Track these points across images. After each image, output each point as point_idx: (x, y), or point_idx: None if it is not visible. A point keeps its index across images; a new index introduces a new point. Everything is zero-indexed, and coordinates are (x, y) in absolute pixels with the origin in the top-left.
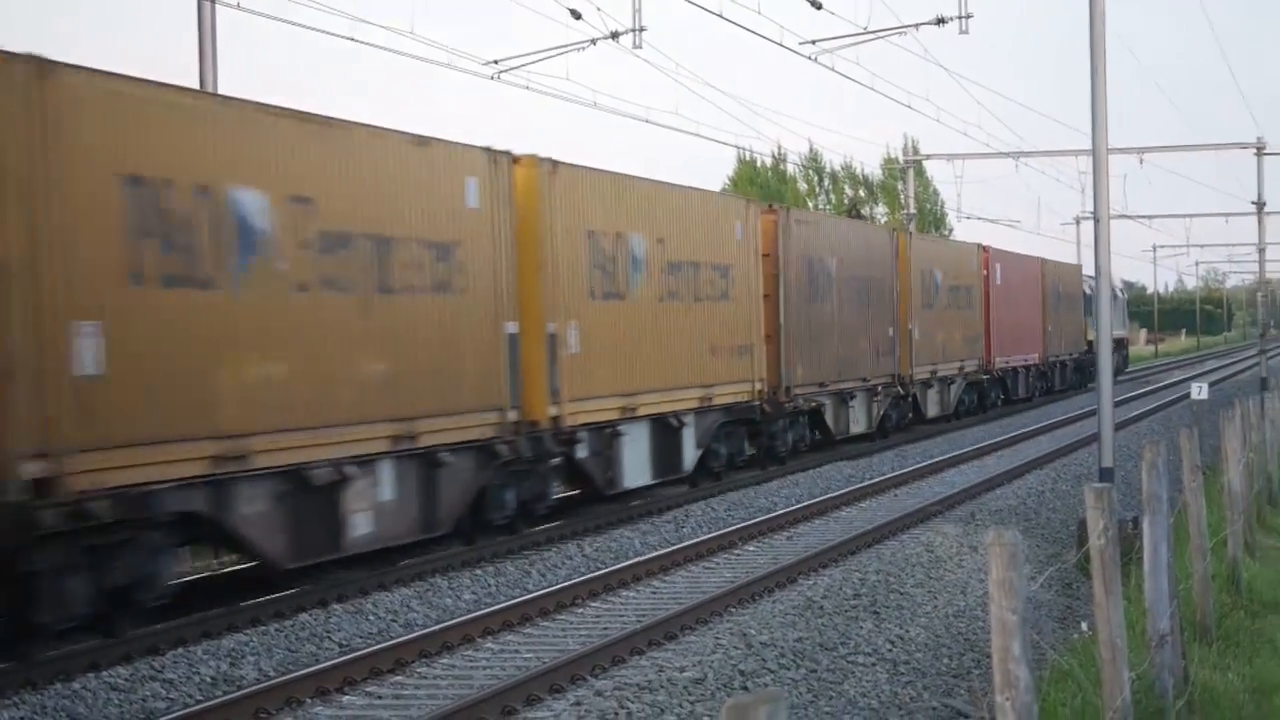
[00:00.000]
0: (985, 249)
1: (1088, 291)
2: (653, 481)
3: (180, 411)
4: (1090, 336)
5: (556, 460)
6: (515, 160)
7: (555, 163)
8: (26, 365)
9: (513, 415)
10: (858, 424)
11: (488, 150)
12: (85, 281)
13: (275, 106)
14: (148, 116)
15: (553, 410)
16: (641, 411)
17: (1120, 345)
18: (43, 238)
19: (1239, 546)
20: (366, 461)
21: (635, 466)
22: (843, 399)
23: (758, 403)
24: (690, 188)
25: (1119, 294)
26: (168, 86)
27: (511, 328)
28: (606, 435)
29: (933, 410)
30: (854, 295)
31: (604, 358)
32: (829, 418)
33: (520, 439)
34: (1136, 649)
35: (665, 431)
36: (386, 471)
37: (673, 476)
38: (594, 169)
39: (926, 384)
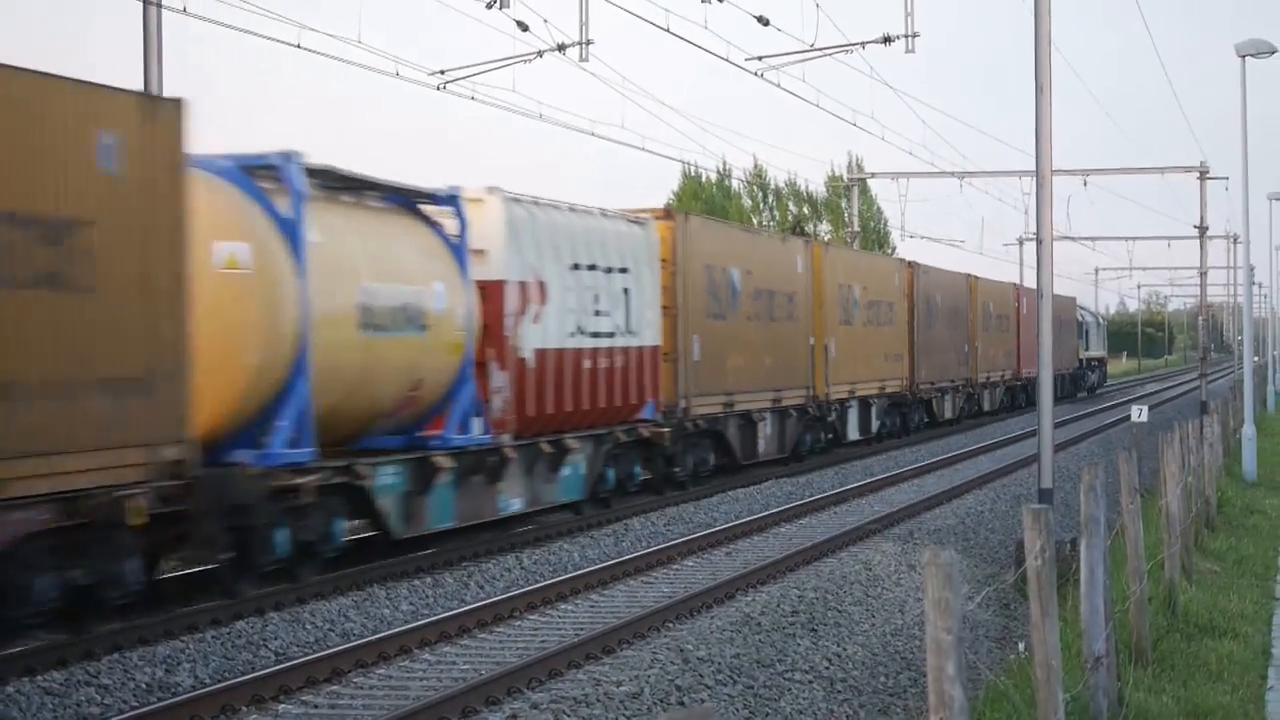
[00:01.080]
0: (1018, 287)
1: (1079, 319)
2: (859, 437)
3: (715, 380)
4: (1082, 355)
5: (829, 419)
6: (812, 241)
7: (827, 244)
8: (680, 354)
9: (811, 392)
10: (949, 411)
11: (805, 239)
12: (694, 315)
13: (743, 225)
14: (711, 235)
15: (824, 390)
16: (857, 394)
17: (1101, 363)
18: (684, 293)
19: (1176, 570)
20: (763, 412)
21: (853, 426)
22: (943, 393)
23: (906, 393)
24: (877, 254)
25: (1101, 322)
26: (717, 220)
27: (811, 340)
28: (842, 407)
29: (987, 405)
30: (948, 321)
31: (843, 360)
32: (935, 405)
33: (814, 405)
34: (1072, 670)
35: (865, 407)
36: (768, 418)
37: (866, 436)
38: (843, 247)
39: (984, 386)
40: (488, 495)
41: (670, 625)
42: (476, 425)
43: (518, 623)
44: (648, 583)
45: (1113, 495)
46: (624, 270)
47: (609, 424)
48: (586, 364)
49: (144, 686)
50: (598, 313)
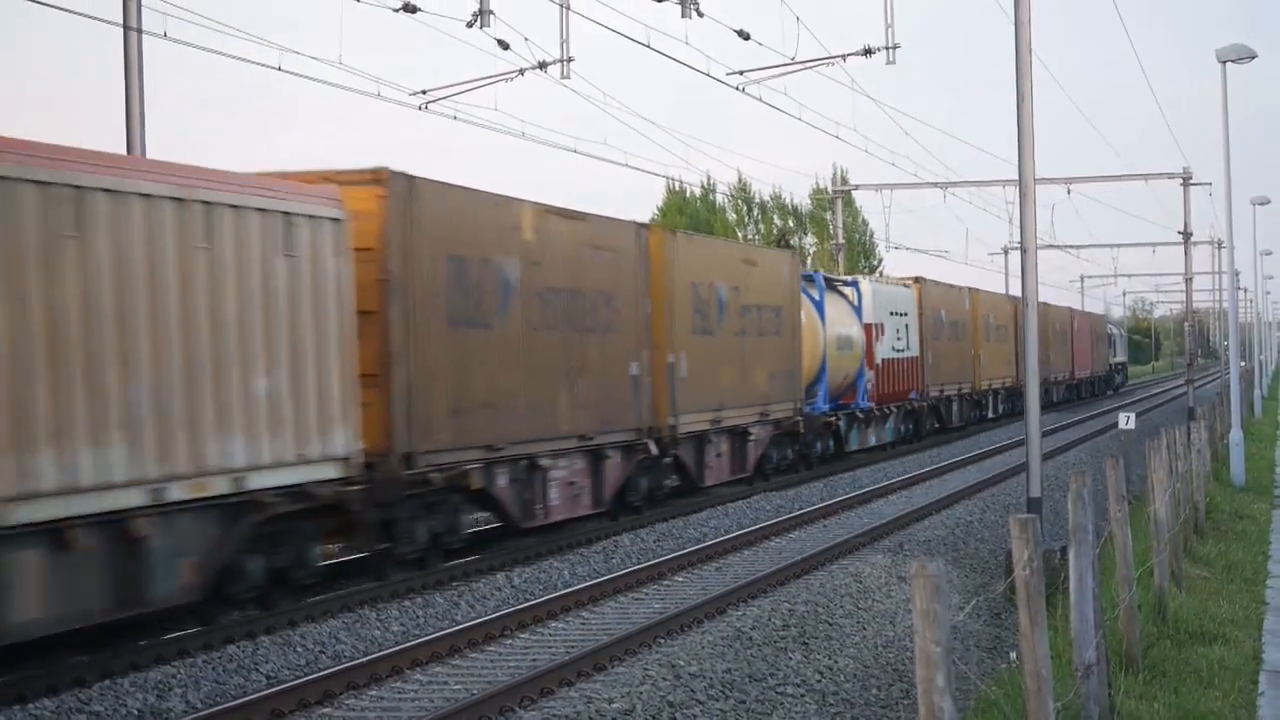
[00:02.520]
0: (1072, 311)
1: (1109, 333)
2: (993, 415)
3: (937, 376)
4: (1111, 361)
5: (981, 402)
6: (974, 290)
7: (980, 291)
8: (924, 361)
9: (972, 384)
10: (1046, 399)
11: (971, 290)
12: (928, 338)
13: (948, 284)
14: (935, 291)
15: (980, 383)
16: (993, 386)
17: (1123, 367)
18: (924, 326)
19: (1165, 576)
20: (954, 396)
21: (990, 407)
22: (1044, 386)
23: (1016, 386)
24: (1003, 294)
25: (1123, 334)
26: (938, 282)
27: (973, 351)
28: (986, 394)
29: (1055, 397)
30: (1043, 335)
31: (987, 363)
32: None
33: (974, 393)
34: (1063, 679)
35: (995, 395)
36: (955, 400)
37: (996, 414)
38: (987, 292)
39: (1053, 383)
40: (866, 433)
41: (661, 641)
42: (865, 398)
43: (509, 641)
44: (638, 599)
45: (1101, 503)
46: (905, 314)
47: (899, 401)
48: (895, 367)
49: (135, 712)
50: (898, 338)
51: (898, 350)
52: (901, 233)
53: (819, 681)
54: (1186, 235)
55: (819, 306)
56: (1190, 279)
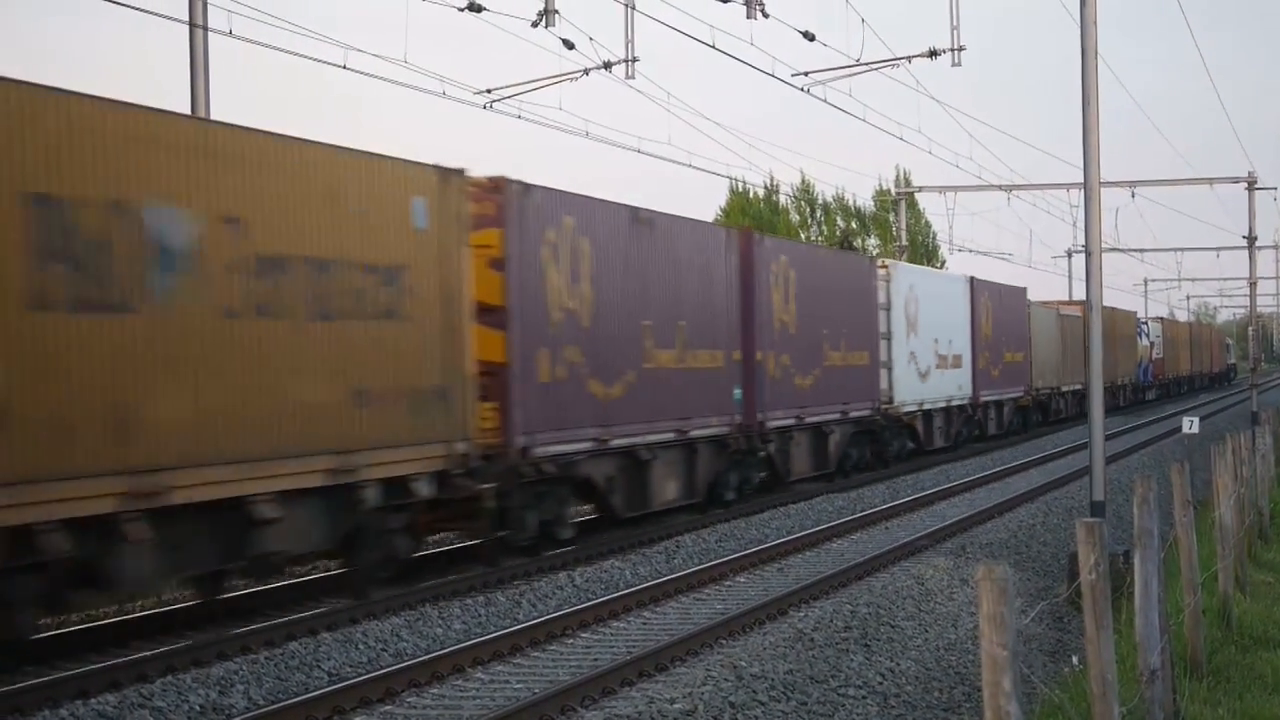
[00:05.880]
0: (1212, 328)
1: (1224, 342)
2: (1191, 388)
3: (1169, 368)
4: (1226, 362)
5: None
6: (1136, 316)
7: (1180, 322)
8: (1164, 359)
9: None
10: (1205, 382)
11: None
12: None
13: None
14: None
15: (1179, 371)
16: (1179, 376)
17: (1233, 367)
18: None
19: (1230, 581)
20: (1187, 377)
21: (1189, 385)
22: (1202, 375)
23: (1201, 372)
24: (1187, 323)
25: (1232, 343)
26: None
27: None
28: (1192, 377)
29: (1205, 385)
30: (1204, 344)
31: (1183, 359)
32: (1206, 380)
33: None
34: (1127, 684)
35: (1192, 379)
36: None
37: (1187, 389)
38: (1175, 322)
39: (1203, 374)
40: (1148, 393)
41: (723, 642)
42: (1150, 376)
43: (570, 641)
44: (700, 600)
45: (1165, 508)
46: (1160, 335)
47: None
48: (1157, 363)
49: (198, 708)
50: (1156, 347)
51: (1157, 353)
52: (964, 234)
53: (881, 683)
54: (1251, 240)
55: (1141, 331)
56: (1254, 283)
